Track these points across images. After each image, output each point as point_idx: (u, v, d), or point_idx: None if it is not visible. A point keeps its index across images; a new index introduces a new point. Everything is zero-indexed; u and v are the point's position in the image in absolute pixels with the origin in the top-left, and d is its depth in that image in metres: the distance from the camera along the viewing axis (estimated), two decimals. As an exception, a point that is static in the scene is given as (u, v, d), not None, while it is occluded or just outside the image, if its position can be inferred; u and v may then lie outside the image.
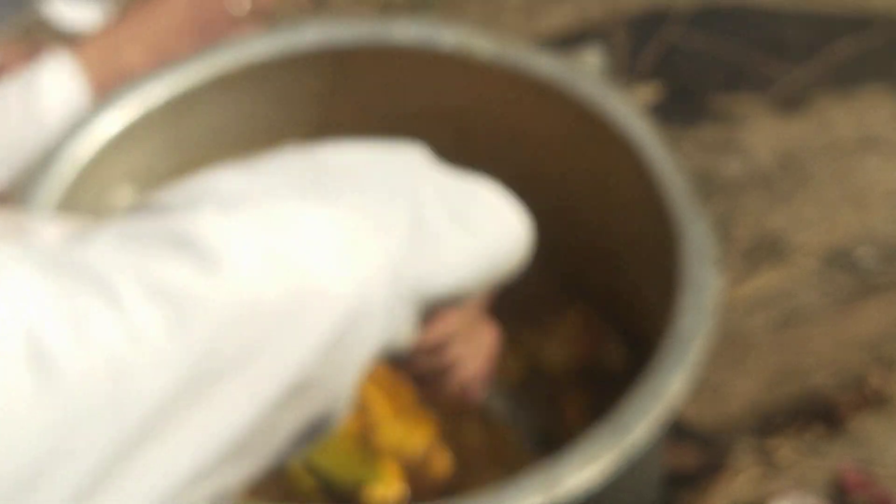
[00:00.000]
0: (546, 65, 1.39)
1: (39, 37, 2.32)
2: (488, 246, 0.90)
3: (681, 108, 2.45)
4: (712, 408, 1.84)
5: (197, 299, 0.68)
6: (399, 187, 0.84)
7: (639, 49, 2.54)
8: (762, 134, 2.36)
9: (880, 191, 2.27)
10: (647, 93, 2.46)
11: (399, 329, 0.83)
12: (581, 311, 1.53)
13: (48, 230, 0.95)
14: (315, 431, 0.81)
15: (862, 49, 2.54)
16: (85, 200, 1.32)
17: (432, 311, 0.87)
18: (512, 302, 1.24)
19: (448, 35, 1.43)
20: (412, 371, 1.06)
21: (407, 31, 1.43)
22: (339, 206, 0.79)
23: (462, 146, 1.51)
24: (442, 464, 1.38)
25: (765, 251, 2.14)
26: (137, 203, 0.78)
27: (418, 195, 0.85)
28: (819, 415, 1.93)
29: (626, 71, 2.49)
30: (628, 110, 1.35)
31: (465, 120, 1.47)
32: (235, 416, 0.71)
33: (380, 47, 1.43)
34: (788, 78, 2.47)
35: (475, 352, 1.06)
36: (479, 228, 0.89)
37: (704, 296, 1.21)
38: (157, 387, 0.66)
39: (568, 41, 2.55)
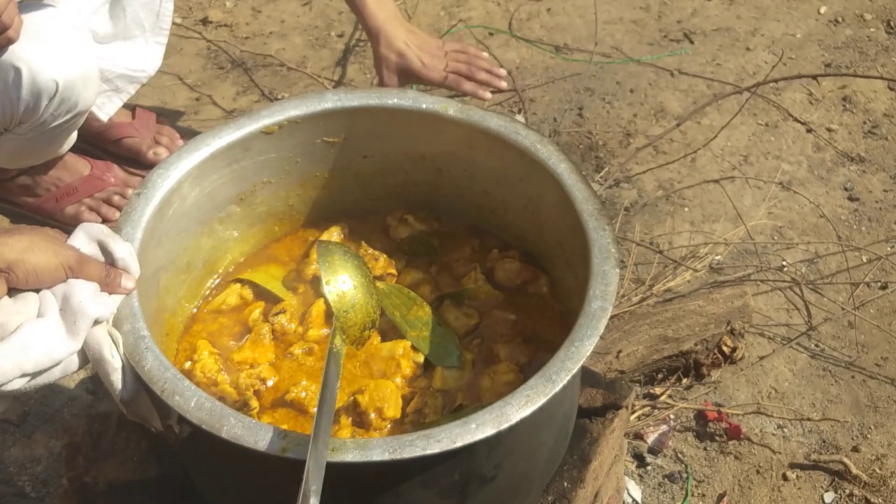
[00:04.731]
0: (496, 121, 1.37)
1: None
2: None
3: (591, 154, 2.45)
4: (614, 364, 1.82)
5: None
6: None
7: (561, 112, 2.53)
8: (649, 172, 2.36)
9: (730, 213, 2.27)
10: (566, 143, 2.46)
11: None
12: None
13: None
14: None
15: (721, 111, 2.55)
16: (166, 218, 1.29)
17: None
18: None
19: (425, 101, 1.41)
20: None
21: (396, 98, 1.42)
22: None
23: (436, 179, 1.50)
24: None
25: (650, 255, 2.14)
26: None
27: None
28: (688, 370, 1.92)
29: (552, 128, 2.49)
30: (554, 154, 1.34)
31: (438, 160, 1.45)
32: None
33: (376, 109, 1.41)
34: (667, 132, 2.47)
35: None
36: None
37: (608, 286, 1.19)
38: None
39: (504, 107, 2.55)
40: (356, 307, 1.24)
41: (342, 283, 1.24)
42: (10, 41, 1.67)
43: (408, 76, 1.93)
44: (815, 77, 2.61)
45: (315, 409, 1.05)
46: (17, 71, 1.71)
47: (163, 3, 2.03)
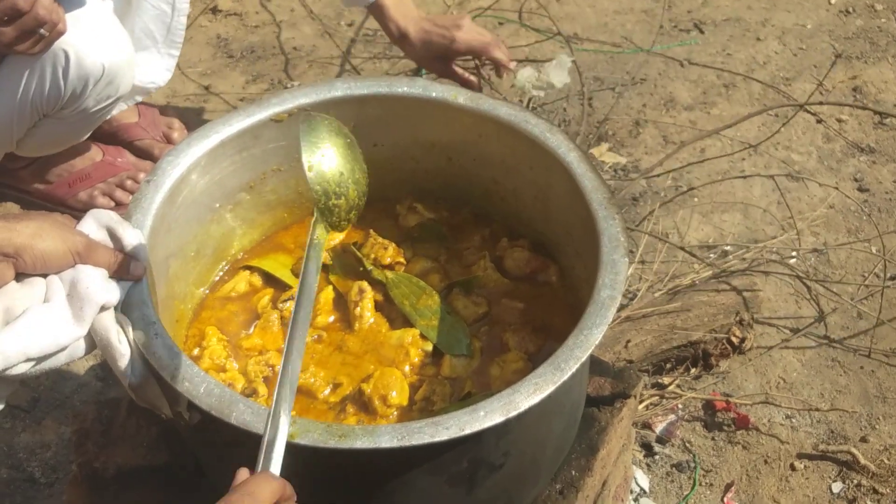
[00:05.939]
0: (505, 110, 1.37)
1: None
2: None
3: (601, 143, 2.43)
4: (623, 354, 1.82)
5: None
6: None
7: (571, 102, 2.52)
8: (659, 163, 2.35)
9: (738, 204, 2.26)
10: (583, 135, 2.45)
11: None
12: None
13: None
14: None
15: (731, 101, 2.53)
16: (176, 205, 1.29)
17: None
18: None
19: (435, 89, 1.40)
20: None
21: (405, 86, 1.41)
22: None
23: (446, 167, 1.49)
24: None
25: (659, 245, 2.13)
26: None
27: None
28: (696, 360, 1.91)
29: (562, 117, 2.47)
30: (564, 143, 1.33)
31: (448, 148, 1.44)
32: None
33: (386, 97, 1.40)
34: (677, 123, 2.46)
35: None
36: None
37: (617, 275, 1.18)
38: None
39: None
40: (341, 191, 1.14)
41: (325, 163, 1.12)
42: (61, 33, 1.70)
43: (444, 54, 1.97)
44: (863, 107, 2.59)
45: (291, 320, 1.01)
46: (66, 55, 1.73)
47: (175, 17, 2.02)
